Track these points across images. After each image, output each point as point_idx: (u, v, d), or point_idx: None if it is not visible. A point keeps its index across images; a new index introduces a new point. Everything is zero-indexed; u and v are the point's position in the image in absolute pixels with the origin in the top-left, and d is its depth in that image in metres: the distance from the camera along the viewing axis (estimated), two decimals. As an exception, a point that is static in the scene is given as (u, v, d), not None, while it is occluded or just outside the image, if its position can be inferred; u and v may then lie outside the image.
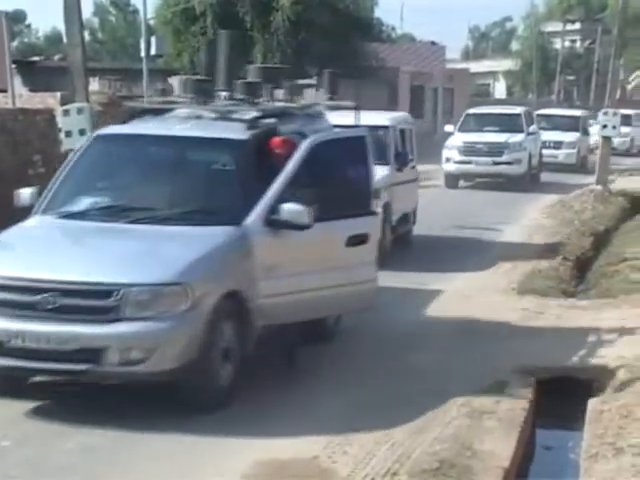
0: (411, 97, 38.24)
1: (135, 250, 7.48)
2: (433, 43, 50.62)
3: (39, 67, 32.11)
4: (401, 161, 14.76)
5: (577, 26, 64.49)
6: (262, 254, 7.76)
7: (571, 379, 8.59)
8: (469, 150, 24.82)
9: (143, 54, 18.96)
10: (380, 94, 34.55)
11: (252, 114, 8.72)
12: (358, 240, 8.48)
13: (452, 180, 25.13)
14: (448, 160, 25.01)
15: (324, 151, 8.41)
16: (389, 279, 10.76)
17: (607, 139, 23.99)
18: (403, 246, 14.97)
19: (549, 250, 15.01)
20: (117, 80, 25.40)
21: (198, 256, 7.34)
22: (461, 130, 26.03)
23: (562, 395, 8.45)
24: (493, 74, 72.00)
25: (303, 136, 8.45)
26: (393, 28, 55.79)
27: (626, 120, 36.26)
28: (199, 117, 8.85)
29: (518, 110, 27.50)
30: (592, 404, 7.82)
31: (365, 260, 8.59)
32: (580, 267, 14.53)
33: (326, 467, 6.37)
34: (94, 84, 21.89)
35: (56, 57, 36.08)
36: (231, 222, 7.75)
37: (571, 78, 65.67)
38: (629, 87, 27.58)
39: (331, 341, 9.31)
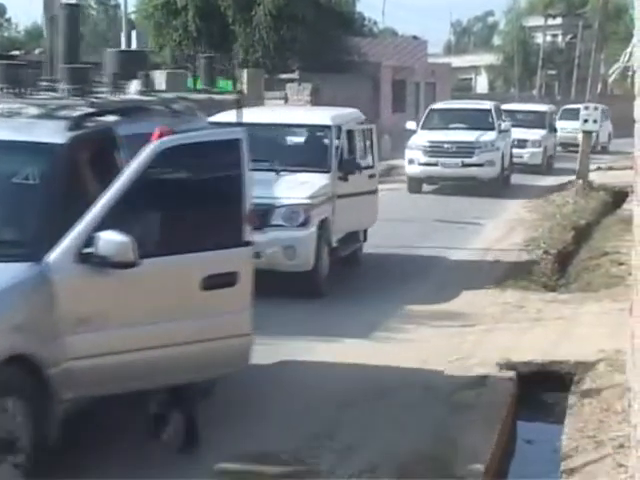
0: (393, 92, 38.21)
1: None
2: (415, 38, 50.62)
3: (20, 61, 31.91)
4: (347, 168, 12.09)
5: (558, 21, 64.52)
6: (71, 301, 5.71)
7: (552, 373, 8.62)
8: (435, 150, 22.23)
9: (123, 48, 18.88)
10: (362, 88, 34.50)
11: (83, 110, 6.75)
12: (221, 281, 6.22)
13: (416, 184, 22.71)
14: (412, 162, 22.47)
15: (176, 159, 6.28)
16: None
17: (588, 134, 24.09)
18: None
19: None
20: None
21: None
22: (425, 127, 23.56)
23: (543, 389, 8.47)
24: (475, 69, 72.03)
25: None
26: (375, 23, 55.84)
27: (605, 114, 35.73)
28: (17, 114, 6.70)
29: (488, 105, 24.81)
30: (573, 398, 7.85)
31: (232, 308, 6.31)
32: (561, 261, 14.57)
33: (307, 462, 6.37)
34: (75, 78, 21.78)
35: (36, 51, 35.91)
36: (26, 257, 5.71)
37: (552, 73, 65.75)
38: (609, 80, 27.50)
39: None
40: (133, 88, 7.86)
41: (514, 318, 10.47)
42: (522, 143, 27.70)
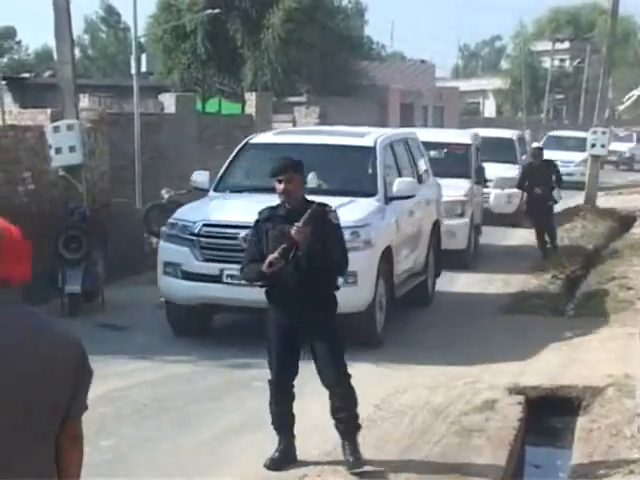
0: (401, 115, 38.32)
1: None
2: (423, 62, 50.88)
3: (29, 84, 32.07)
4: None
5: (566, 45, 64.71)
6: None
7: (560, 397, 8.60)
8: (219, 246, 9.87)
9: (133, 71, 18.93)
10: (369, 112, 34.61)
11: None
12: None
13: (182, 318, 10.30)
14: (169, 269, 10.12)
15: None
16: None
17: (595, 158, 24.08)
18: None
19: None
20: (108, 97, 25.40)
21: None
22: (223, 187, 11.16)
23: (552, 413, 8.46)
24: (483, 92, 72.19)
25: None
26: (383, 46, 56.13)
27: (581, 144, 32.90)
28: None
29: (370, 139, 11.47)
30: (581, 423, 7.83)
31: None
32: (570, 286, 14.56)
33: None
34: (84, 101, 21.83)
35: (46, 74, 36.06)
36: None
37: (560, 97, 65.91)
38: (621, 108, 27.07)
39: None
40: None
41: (522, 343, 10.45)
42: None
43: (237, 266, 8.69)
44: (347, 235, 8.39)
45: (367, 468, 6.45)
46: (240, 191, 10.95)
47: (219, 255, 9.75)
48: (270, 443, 6.79)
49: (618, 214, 22.91)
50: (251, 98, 25.72)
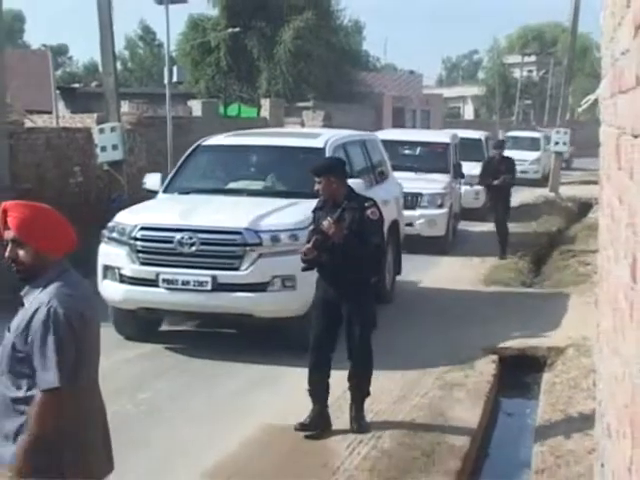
0: (393, 118, 38.14)
1: None
2: (412, 72, 50.66)
3: (79, 92, 32.07)
4: None
5: (533, 58, 64.57)
6: None
7: (529, 356, 8.61)
8: (155, 249, 8.22)
9: (166, 81, 18.91)
10: (367, 115, 34.48)
11: None
12: None
13: (126, 321, 8.68)
14: (108, 274, 8.47)
15: None
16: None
17: (558, 154, 24.12)
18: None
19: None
20: (144, 103, 25.35)
21: None
22: (173, 188, 9.52)
23: (521, 370, 8.46)
24: (463, 98, 72.00)
25: None
26: (378, 59, 55.77)
27: (535, 144, 30.24)
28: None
29: (319, 141, 9.84)
30: (546, 377, 7.85)
31: None
32: (537, 262, 14.55)
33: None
34: (124, 106, 21.79)
35: (93, 84, 36.03)
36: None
37: (528, 102, 65.72)
38: (579, 110, 27.10)
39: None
40: None
41: (496, 310, 10.45)
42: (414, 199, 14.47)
43: (173, 270, 8.01)
44: (287, 239, 7.93)
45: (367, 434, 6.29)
46: (189, 193, 9.34)
47: (155, 259, 8.19)
48: (288, 393, 6.80)
49: (578, 201, 22.90)
50: (266, 103, 25.68)
